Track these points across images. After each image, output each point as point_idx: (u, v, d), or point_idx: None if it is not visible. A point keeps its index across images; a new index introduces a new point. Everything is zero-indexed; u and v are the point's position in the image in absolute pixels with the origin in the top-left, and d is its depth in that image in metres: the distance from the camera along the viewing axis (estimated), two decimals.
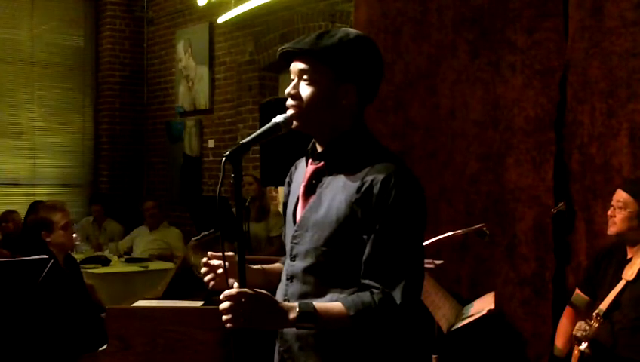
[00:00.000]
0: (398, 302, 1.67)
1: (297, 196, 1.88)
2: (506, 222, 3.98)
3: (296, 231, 1.83)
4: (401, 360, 1.81)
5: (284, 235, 1.96)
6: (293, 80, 1.83)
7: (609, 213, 3.22)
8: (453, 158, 4.20)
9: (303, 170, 1.92)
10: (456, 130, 4.20)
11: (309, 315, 1.68)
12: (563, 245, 3.80)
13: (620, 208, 3.16)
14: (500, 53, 4.02)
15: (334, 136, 1.82)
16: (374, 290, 1.69)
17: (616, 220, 3.17)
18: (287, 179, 2.02)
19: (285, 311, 1.68)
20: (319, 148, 1.86)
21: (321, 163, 1.84)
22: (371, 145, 1.83)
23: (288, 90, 1.82)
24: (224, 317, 1.66)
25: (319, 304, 1.70)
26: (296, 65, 1.81)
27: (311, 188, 1.84)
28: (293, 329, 1.76)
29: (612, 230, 3.20)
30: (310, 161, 1.88)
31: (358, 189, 1.73)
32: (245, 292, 1.65)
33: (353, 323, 1.68)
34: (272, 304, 1.68)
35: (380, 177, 1.72)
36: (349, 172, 1.77)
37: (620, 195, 3.18)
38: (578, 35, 3.73)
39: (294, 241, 1.83)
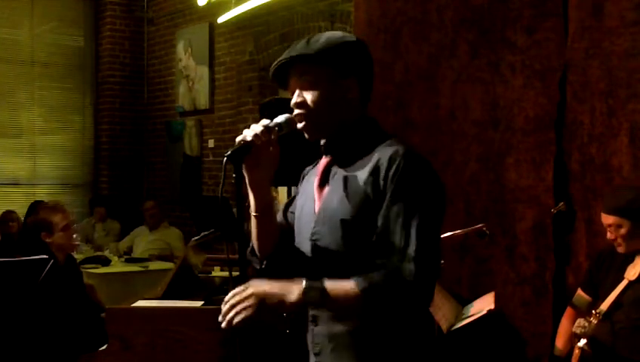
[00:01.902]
0: (410, 277, 1.63)
1: (311, 193, 1.87)
2: (506, 222, 3.98)
3: (314, 226, 1.81)
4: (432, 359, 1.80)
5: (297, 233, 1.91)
6: (294, 92, 1.82)
7: (609, 236, 3.23)
8: (453, 158, 4.20)
9: (316, 169, 1.92)
10: (457, 130, 4.20)
11: (315, 290, 1.65)
12: (563, 245, 3.80)
13: (617, 229, 3.18)
14: (500, 53, 4.02)
15: (342, 130, 1.82)
16: (386, 266, 1.66)
17: (620, 241, 3.19)
18: (299, 184, 2.00)
19: (283, 294, 1.66)
20: (329, 142, 1.86)
21: (332, 155, 1.85)
22: (380, 133, 1.83)
23: (293, 100, 1.81)
24: (229, 315, 1.65)
25: (329, 282, 1.67)
26: (295, 75, 1.81)
27: (324, 181, 1.84)
28: (325, 330, 1.77)
29: (621, 250, 3.21)
30: (324, 156, 1.88)
31: (369, 172, 1.72)
32: (237, 291, 1.65)
33: (363, 299, 1.65)
34: (270, 294, 1.66)
35: (387, 155, 1.71)
36: (360, 159, 1.77)
37: (608, 219, 3.20)
38: (578, 35, 3.73)
39: (314, 238, 1.80)
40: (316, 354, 1.82)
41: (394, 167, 1.69)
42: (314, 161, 1.97)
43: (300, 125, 1.81)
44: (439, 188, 1.75)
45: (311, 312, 1.82)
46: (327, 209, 1.79)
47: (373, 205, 1.70)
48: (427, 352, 1.78)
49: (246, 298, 1.65)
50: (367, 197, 1.71)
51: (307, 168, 2.00)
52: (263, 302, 1.65)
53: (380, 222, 1.69)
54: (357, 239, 1.72)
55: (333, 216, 1.76)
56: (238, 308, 1.65)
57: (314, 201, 1.85)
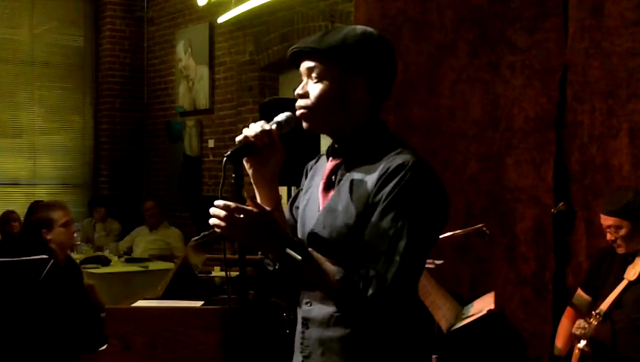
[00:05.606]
0: (387, 283, 1.62)
1: (316, 195, 1.86)
2: (506, 222, 3.98)
3: (313, 229, 1.80)
4: None
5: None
6: (303, 80, 1.82)
7: (609, 238, 3.24)
8: (453, 158, 4.20)
9: (322, 168, 1.90)
10: (456, 130, 4.20)
11: (300, 247, 1.66)
12: (563, 245, 3.81)
13: (616, 231, 3.18)
14: (499, 53, 4.02)
15: (349, 133, 1.80)
16: (367, 269, 1.66)
17: (620, 242, 3.20)
18: (303, 179, 1.99)
19: (273, 236, 1.66)
20: (336, 145, 1.84)
21: (340, 159, 1.83)
22: (389, 140, 1.80)
23: (297, 91, 1.81)
24: (215, 221, 1.65)
25: (318, 254, 1.69)
26: (304, 65, 1.80)
27: (329, 185, 1.83)
28: (316, 334, 1.76)
29: (621, 251, 3.22)
30: (330, 158, 1.86)
31: (376, 179, 1.70)
32: (239, 208, 1.63)
33: (339, 288, 1.65)
34: (261, 229, 1.65)
35: (395, 163, 1.69)
36: (369, 165, 1.75)
37: (608, 220, 3.20)
38: (578, 35, 3.73)
39: (311, 238, 1.79)
40: (305, 357, 1.81)
41: (399, 176, 1.67)
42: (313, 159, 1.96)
43: (298, 113, 1.80)
44: (441, 203, 1.73)
45: (302, 315, 1.82)
46: (330, 212, 1.77)
47: (374, 212, 1.69)
48: (419, 360, 1.77)
49: (243, 218, 1.63)
50: (371, 204, 1.70)
51: (310, 163, 1.99)
52: (251, 231, 1.64)
53: (372, 224, 1.68)
54: (354, 244, 1.71)
55: (335, 219, 1.75)
56: (229, 221, 1.63)
57: (318, 203, 1.84)
